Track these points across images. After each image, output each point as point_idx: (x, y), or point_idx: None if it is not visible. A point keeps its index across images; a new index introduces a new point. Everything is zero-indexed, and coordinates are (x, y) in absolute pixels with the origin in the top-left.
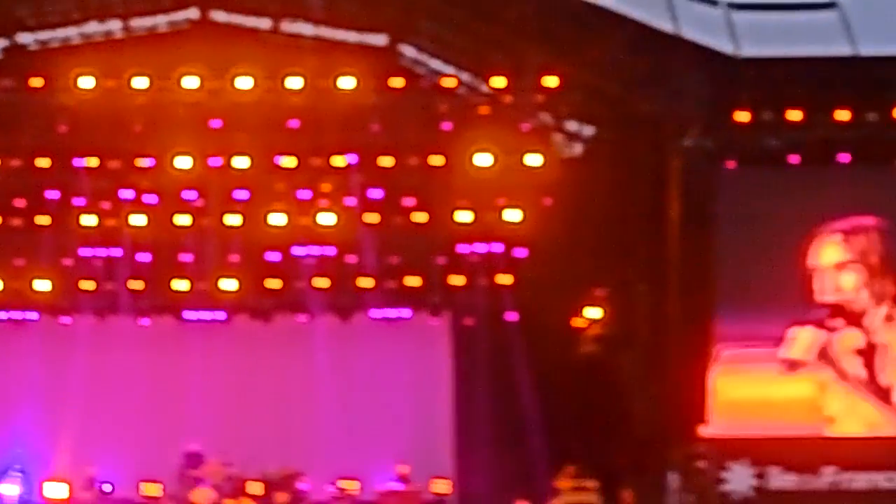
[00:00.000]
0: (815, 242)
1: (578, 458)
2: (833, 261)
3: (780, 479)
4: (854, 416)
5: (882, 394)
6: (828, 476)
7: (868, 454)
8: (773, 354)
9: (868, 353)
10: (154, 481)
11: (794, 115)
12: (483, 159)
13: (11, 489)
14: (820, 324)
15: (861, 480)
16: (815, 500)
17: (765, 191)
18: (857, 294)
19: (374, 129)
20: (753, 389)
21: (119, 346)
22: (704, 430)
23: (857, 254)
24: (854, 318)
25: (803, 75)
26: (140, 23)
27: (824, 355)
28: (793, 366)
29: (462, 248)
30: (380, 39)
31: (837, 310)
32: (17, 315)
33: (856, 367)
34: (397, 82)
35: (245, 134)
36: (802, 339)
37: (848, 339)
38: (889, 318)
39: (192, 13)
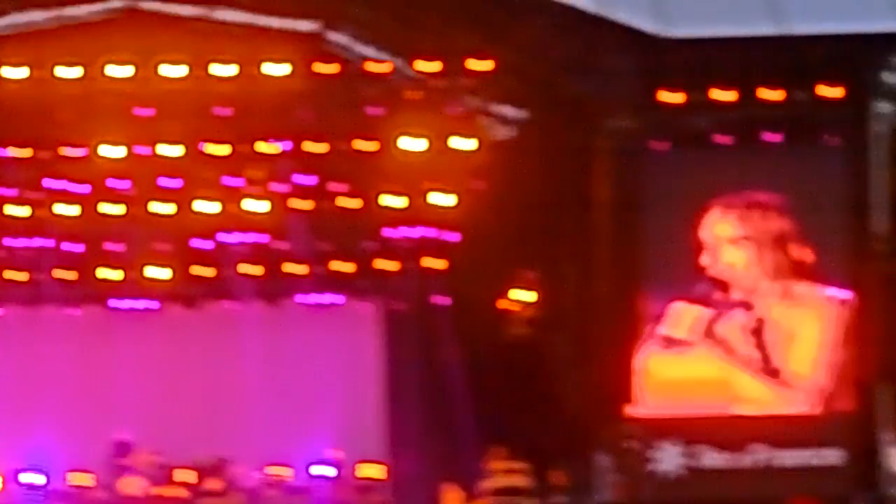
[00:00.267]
0: (710, 217)
1: (509, 440)
2: (725, 236)
3: (710, 458)
4: (753, 395)
5: (774, 373)
6: (757, 454)
7: (797, 432)
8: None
9: (758, 333)
10: (84, 471)
11: (722, 96)
12: (413, 144)
13: None
14: (705, 301)
15: (790, 458)
16: (744, 478)
17: (694, 171)
18: (748, 271)
19: (303, 116)
20: (682, 369)
21: (48, 336)
22: (634, 410)
23: (750, 230)
24: (743, 296)
25: (731, 55)
26: (69, 12)
27: (710, 334)
28: (670, 343)
29: (392, 233)
30: (308, 25)
31: (725, 286)
32: None
33: (747, 347)
34: (326, 68)
35: (174, 122)
36: (686, 317)
37: (738, 318)
38: (785, 296)
39: (120, 2)
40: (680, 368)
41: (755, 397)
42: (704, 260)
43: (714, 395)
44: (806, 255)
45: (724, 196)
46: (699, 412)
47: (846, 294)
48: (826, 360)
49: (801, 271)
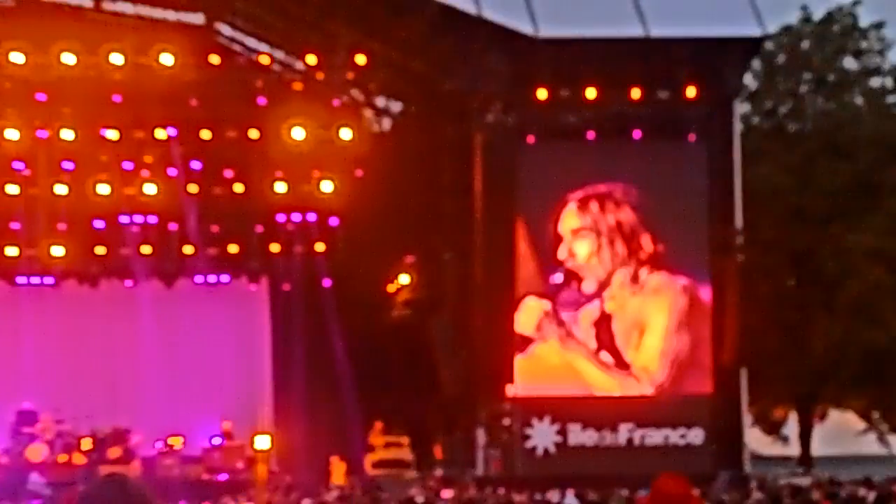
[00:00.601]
0: (565, 211)
1: (391, 416)
2: (572, 228)
3: (581, 436)
4: (599, 384)
5: (621, 363)
6: (625, 433)
7: (661, 413)
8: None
9: (603, 325)
10: None
11: (591, 93)
12: (297, 133)
13: None
14: (554, 295)
15: (655, 437)
16: (613, 455)
17: (562, 165)
18: (593, 262)
19: (193, 104)
20: (546, 357)
21: None
22: (510, 390)
23: (593, 221)
24: (594, 288)
25: (599, 55)
26: None
27: (554, 318)
28: (524, 342)
29: (279, 218)
30: (198, 18)
31: (573, 275)
32: None
33: (591, 339)
34: (215, 59)
35: (70, 107)
36: (534, 313)
37: (588, 310)
38: (634, 281)
39: None
40: (545, 356)
41: (601, 385)
42: (560, 253)
43: (573, 381)
44: (659, 246)
45: (578, 189)
46: (571, 393)
47: (696, 281)
48: (674, 346)
49: (652, 262)
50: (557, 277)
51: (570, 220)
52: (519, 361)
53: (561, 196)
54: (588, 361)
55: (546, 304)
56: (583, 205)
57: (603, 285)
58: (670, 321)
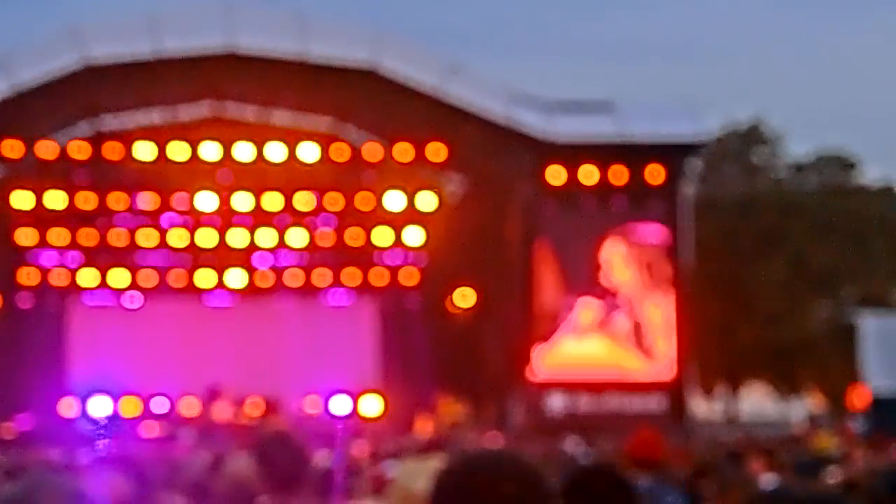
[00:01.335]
0: (605, 242)
1: (455, 389)
2: (614, 255)
3: (583, 404)
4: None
5: (647, 352)
6: (614, 401)
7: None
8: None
9: (637, 330)
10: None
11: (588, 175)
12: (398, 199)
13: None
14: (602, 298)
15: (632, 404)
16: (603, 417)
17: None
18: (632, 283)
19: (325, 181)
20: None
21: (171, 323)
22: (533, 374)
23: (635, 251)
24: (628, 301)
25: (593, 149)
26: (177, 113)
27: (605, 326)
28: (581, 331)
29: (384, 257)
30: (328, 123)
31: (615, 293)
32: None
33: (629, 337)
34: (342, 149)
35: (245, 184)
36: (587, 311)
37: (623, 318)
38: (656, 306)
39: (209, 111)
40: (578, 350)
41: (635, 367)
42: (603, 276)
43: (606, 367)
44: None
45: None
46: (579, 379)
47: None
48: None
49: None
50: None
51: (613, 249)
52: (537, 353)
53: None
54: (625, 350)
55: (598, 306)
56: (624, 239)
57: (635, 301)
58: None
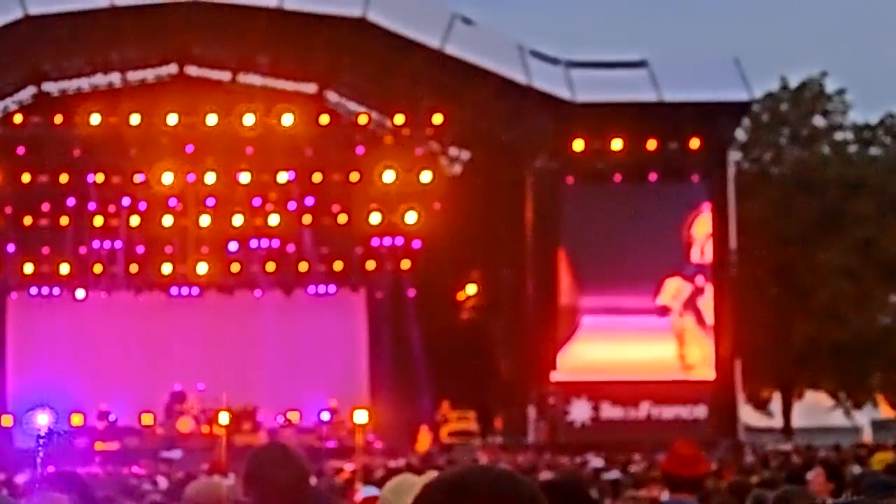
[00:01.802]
0: (694, 218)
1: (461, 395)
2: (704, 232)
3: (611, 411)
4: (706, 364)
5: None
6: (645, 409)
7: (675, 392)
8: (629, 323)
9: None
10: (150, 413)
11: (617, 145)
12: (388, 175)
13: (43, 419)
14: (688, 278)
15: (668, 412)
16: (635, 426)
17: (595, 200)
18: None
19: (307, 154)
20: (613, 349)
21: (125, 315)
22: (554, 376)
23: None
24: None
25: (623, 115)
26: (133, 75)
27: (690, 304)
28: (663, 311)
29: (374, 241)
30: (311, 87)
31: (705, 269)
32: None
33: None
34: (325, 119)
35: (212, 157)
36: (671, 288)
37: (709, 294)
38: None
39: (172, 68)
40: (618, 349)
41: (697, 362)
42: (694, 251)
43: (667, 367)
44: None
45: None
46: (602, 378)
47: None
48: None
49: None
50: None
51: (702, 225)
52: (561, 355)
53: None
54: (705, 337)
55: (682, 283)
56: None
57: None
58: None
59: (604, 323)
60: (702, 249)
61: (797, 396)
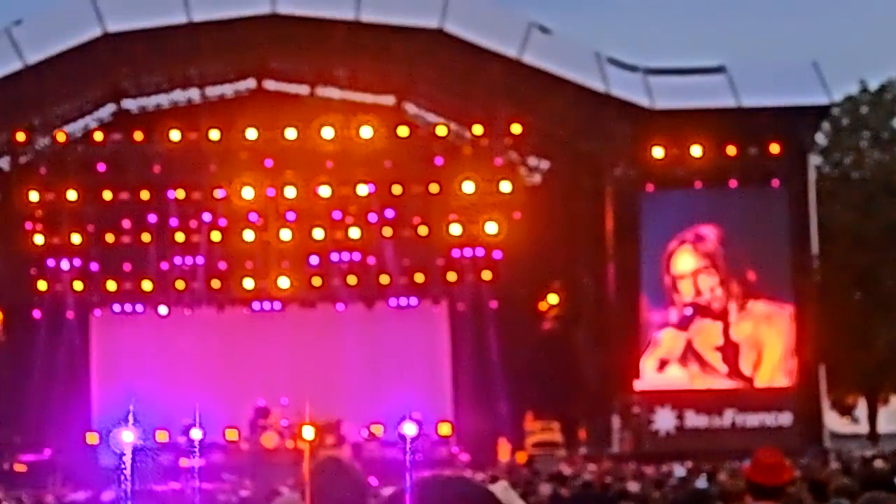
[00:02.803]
0: (673, 253)
1: (545, 406)
2: (690, 268)
3: (695, 420)
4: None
5: (744, 379)
6: (729, 416)
7: (758, 400)
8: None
9: (727, 349)
10: (234, 428)
11: (696, 151)
12: (468, 186)
13: (128, 436)
14: (681, 325)
15: (752, 420)
16: (719, 435)
17: (676, 207)
18: (713, 293)
19: (387, 166)
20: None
21: (207, 331)
22: (638, 385)
23: (709, 259)
24: (713, 315)
25: (701, 121)
26: (211, 91)
27: (690, 350)
28: (662, 364)
29: (454, 253)
30: (389, 100)
31: (699, 309)
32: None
33: (717, 361)
34: (403, 131)
35: (292, 170)
36: (667, 341)
37: (707, 335)
38: (741, 309)
39: (250, 83)
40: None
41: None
42: (685, 289)
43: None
44: (755, 276)
45: (687, 230)
46: (685, 387)
47: (782, 302)
48: (790, 365)
49: (752, 291)
50: (688, 311)
51: (687, 259)
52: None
53: (670, 238)
54: (722, 381)
55: (684, 335)
56: (696, 245)
57: (726, 314)
58: (787, 344)
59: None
60: (696, 288)
61: (883, 402)
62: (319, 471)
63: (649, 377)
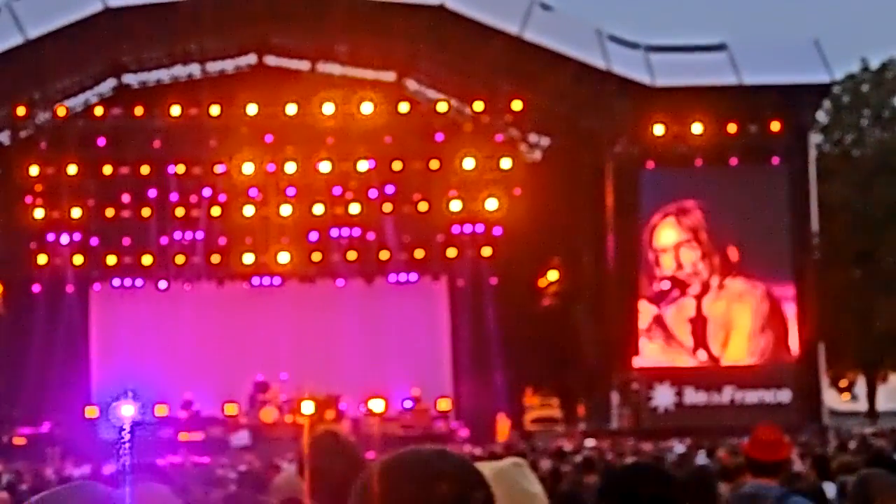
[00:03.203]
0: (656, 227)
1: (543, 382)
2: (674, 240)
3: (694, 397)
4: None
5: (711, 357)
6: (728, 393)
7: (758, 377)
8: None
9: (697, 323)
10: (233, 403)
11: (697, 128)
12: (468, 163)
13: (127, 409)
14: (654, 300)
15: (752, 397)
16: (719, 411)
17: (674, 186)
18: (694, 267)
19: (387, 142)
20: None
21: (206, 304)
22: (637, 362)
23: (692, 233)
24: (688, 290)
25: (702, 98)
26: (212, 66)
27: (659, 323)
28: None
29: (454, 229)
30: (390, 76)
31: (677, 283)
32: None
33: (685, 335)
34: (404, 107)
35: (292, 146)
36: (643, 314)
37: (680, 309)
38: (720, 287)
39: (251, 58)
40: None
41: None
42: (667, 262)
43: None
44: (739, 254)
45: (669, 204)
46: (685, 364)
47: (774, 282)
48: (760, 345)
49: (734, 269)
50: (665, 284)
51: (670, 233)
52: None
53: (653, 211)
54: (686, 357)
55: (654, 310)
56: (679, 219)
57: (704, 290)
58: (755, 323)
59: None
60: (677, 262)
61: (881, 380)
62: (316, 446)
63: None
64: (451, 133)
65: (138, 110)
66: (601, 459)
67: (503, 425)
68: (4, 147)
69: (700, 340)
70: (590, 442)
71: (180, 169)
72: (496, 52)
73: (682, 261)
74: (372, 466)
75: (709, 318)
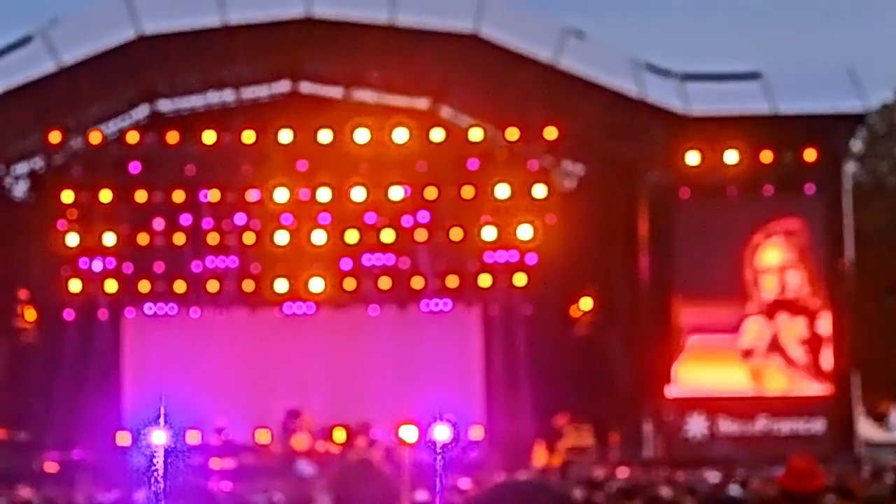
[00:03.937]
0: (758, 247)
1: (577, 410)
2: (776, 262)
3: (727, 426)
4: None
5: (822, 375)
6: (762, 423)
7: (791, 406)
8: (729, 342)
9: (812, 342)
10: (265, 429)
11: (731, 157)
12: (502, 190)
13: (159, 436)
14: (769, 315)
15: (785, 426)
16: (752, 441)
17: (710, 213)
18: (801, 290)
19: (420, 169)
20: (712, 372)
21: (239, 334)
22: (669, 391)
23: (794, 255)
24: (798, 310)
25: (736, 127)
26: (246, 93)
27: (774, 345)
28: (746, 354)
29: (488, 257)
30: (424, 103)
31: (784, 304)
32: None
33: (800, 354)
34: (437, 134)
35: (326, 173)
36: (752, 331)
37: (793, 329)
38: (825, 307)
39: (284, 85)
40: (715, 372)
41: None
42: (769, 285)
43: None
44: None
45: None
46: (718, 394)
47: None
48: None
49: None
50: (769, 305)
51: (773, 254)
52: (677, 368)
53: (748, 236)
54: (795, 374)
55: (763, 324)
56: (784, 238)
57: (807, 310)
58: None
59: (710, 342)
60: (782, 284)
61: None
62: (349, 474)
63: (681, 381)
64: (485, 160)
65: (172, 137)
66: (636, 488)
67: (540, 454)
68: (38, 173)
69: (813, 355)
70: (622, 471)
71: (214, 196)
72: (530, 80)
73: (788, 282)
74: (469, 499)
75: (822, 338)
